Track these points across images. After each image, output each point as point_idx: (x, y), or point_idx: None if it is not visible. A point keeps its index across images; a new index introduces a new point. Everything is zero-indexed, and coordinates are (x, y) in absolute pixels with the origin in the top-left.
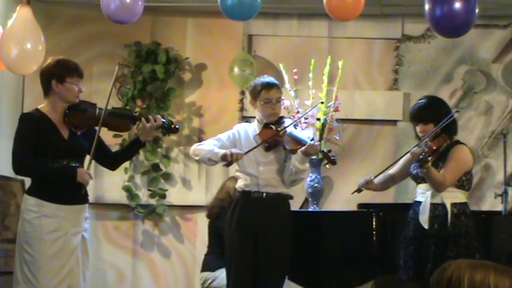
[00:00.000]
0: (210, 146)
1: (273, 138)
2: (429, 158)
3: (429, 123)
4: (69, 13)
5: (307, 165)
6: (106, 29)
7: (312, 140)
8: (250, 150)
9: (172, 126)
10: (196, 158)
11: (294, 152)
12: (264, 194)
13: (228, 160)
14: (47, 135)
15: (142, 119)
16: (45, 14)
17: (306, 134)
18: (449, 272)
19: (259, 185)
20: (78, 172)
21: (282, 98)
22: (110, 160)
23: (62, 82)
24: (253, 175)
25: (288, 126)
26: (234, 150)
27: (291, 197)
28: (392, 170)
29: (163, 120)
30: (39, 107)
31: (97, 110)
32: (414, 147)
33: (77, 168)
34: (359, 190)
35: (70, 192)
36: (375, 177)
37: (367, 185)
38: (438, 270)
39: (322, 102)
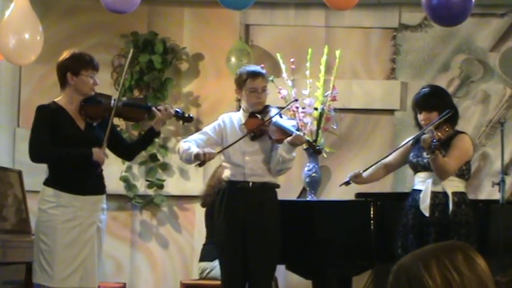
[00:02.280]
0: (188, 144)
1: (259, 127)
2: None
3: (433, 112)
4: (66, 3)
5: (294, 154)
6: (103, 19)
7: (297, 129)
8: (224, 148)
9: (186, 115)
10: (179, 157)
11: (280, 141)
12: (251, 184)
13: (200, 160)
14: (63, 127)
15: (156, 108)
16: (42, 4)
17: (292, 123)
18: (404, 277)
19: (245, 174)
20: (93, 151)
21: (279, 87)
22: (126, 150)
23: (77, 75)
24: (239, 165)
25: (273, 116)
26: (206, 150)
27: (278, 186)
28: (387, 159)
29: (177, 110)
30: (56, 99)
31: (112, 102)
32: (419, 135)
33: (92, 149)
34: (347, 183)
35: (86, 182)
36: (364, 171)
37: (356, 178)
38: (392, 281)
39: (296, 100)
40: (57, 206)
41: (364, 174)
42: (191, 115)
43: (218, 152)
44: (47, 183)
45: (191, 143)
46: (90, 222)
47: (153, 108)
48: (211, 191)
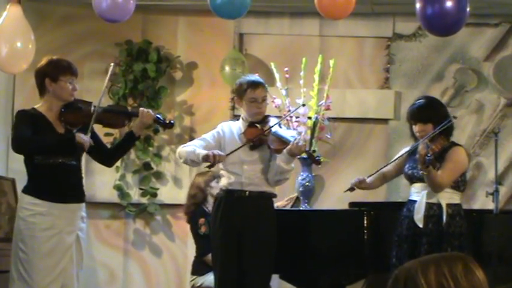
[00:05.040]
0: (192, 147)
1: (258, 137)
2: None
3: (428, 123)
4: (60, 11)
5: (293, 165)
6: (97, 27)
7: (296, 139)
8: (233, 151)
9: (167, 121)
10: (181, 161)
11: (279, 151)
12: (247, 193)
13: (210, 161)
14: (43, 133)
15: (138, 112)
16: (35, 13)
17: (291, 133)
18: (402, 280)
19: (242, 183)
20: (76, 135)
21: (274, 96)
22: (106, 156)
23: (55, 81)
24: (236, 174)
25: (273, 126)
26: (216, 152)
27: (275, 195)
28: (385, 168)
29: (158, 116)
30: (35, 106)
31: (92, 108)
32: (415, 146)
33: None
34: (351, 189)
35: (65, 190)
36: (368, 177)
37: (360, 184)
38: (391, 284)
39: (303, 105)
40: (36, 214)
41: (368, 180)
42: (172, 121)
43: (227, 155)
44: (26, 190)
45: (194, 147)
46: (69, 230)
47: (135, 114)
48: (191, 201)
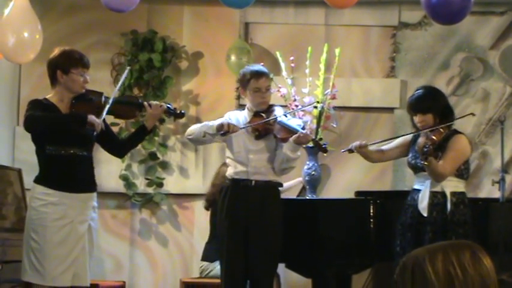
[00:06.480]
0: (203, 123)
1: (264, 126)
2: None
3: (428, 113)
4: (65, 1)
5: (299, 153)
6: (102, 17)
7: (303, 128)
8: (248, 125)
9: (178, 111)
10: (190, 137)
11: (285, 140)
12: (253, 182)
13: (224, 130)
14: None
15: (147, 105)
16: (42, 3)
17: (297, 122)
18: (409, 267)
19: (248, 172)
20: (88, 116)
21: (279, 85)
22: (117, 147)
23: (66, 73)
24: (242, 163)
25: (279, 116)
26: (230, 121)
27: (281, 185)
28: (385, 147)
29: (169, 106)
30: (47, 96)
31: (103, 99)
32: (418, 132)
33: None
34: (350, 150)
35: (77, 180)
36: (371, 144)
37: (361, 148)
38: (398, 271)
39: (316, 104)
40: (48, 203)
41: (370, 148)
42: (183, 111)
43: (241, 128)
44: (37, 180)
45: (203, 123)
46: (81, 220)
47: (145, 104)
48: (216, 191)
